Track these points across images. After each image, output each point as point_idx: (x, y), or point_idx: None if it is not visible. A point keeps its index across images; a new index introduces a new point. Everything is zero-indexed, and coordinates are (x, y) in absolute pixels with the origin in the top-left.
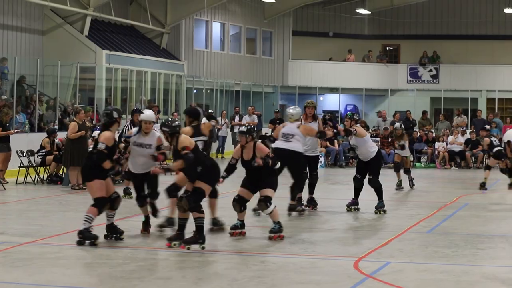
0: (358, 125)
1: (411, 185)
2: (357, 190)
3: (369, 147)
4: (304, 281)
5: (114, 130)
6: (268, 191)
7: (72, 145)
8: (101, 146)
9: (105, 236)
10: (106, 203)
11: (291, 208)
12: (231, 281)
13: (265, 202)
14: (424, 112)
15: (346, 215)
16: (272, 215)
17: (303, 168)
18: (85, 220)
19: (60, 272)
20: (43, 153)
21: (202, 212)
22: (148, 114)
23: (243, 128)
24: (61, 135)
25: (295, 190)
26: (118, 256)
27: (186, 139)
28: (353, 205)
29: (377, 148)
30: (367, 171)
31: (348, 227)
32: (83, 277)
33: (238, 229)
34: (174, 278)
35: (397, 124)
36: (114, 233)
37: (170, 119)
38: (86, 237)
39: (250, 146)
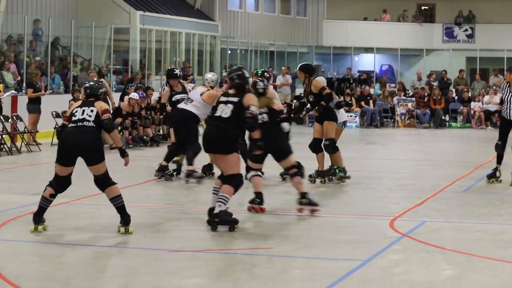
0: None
1: None
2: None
3: None
4: (339, 241)
5: None
6: None
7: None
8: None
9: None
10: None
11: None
12: (264, 239)
13: None
14: (460, 71)
15: (381, 175)
16: None
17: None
18: (219, 201)
19: (96, 232)
20: None
21: None
22: None
23: None
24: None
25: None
26: (155, 216)
27: None
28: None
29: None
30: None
31: (383, 187)
32: (119, 237)
33: None
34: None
35: None
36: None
37: None
38: (224, 222)
39: None
